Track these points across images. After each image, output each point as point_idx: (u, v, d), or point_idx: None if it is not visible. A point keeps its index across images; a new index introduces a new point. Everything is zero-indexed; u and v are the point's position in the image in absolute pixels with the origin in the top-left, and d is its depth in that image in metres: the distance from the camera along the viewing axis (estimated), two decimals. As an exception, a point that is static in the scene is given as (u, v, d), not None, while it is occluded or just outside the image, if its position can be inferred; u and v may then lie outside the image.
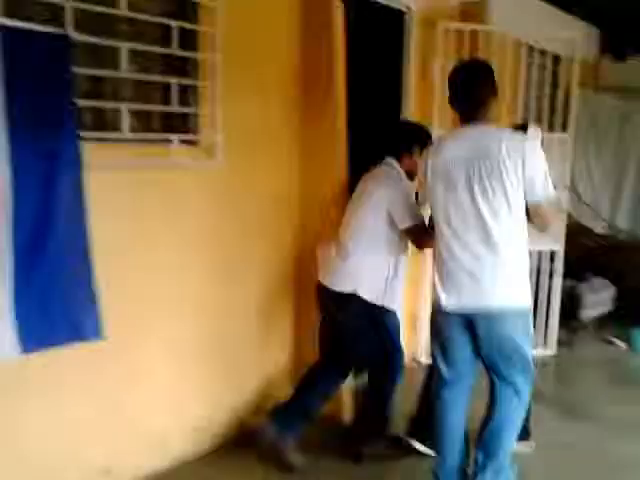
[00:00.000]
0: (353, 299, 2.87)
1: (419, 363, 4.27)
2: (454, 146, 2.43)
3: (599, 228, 5.00)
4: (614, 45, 6.33)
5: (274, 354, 3.36)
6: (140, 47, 2.54)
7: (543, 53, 4.36)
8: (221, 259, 2.99)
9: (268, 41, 3.09)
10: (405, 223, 2.81)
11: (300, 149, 3.31)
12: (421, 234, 2.82)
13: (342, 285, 2.88)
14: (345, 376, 3.09)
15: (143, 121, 2.71)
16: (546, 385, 4.12)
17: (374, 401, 3.12)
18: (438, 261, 2.50)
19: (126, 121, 2.51)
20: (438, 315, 2.52)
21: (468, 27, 3.96)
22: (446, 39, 3.93)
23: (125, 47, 2.46)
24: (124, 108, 2.51)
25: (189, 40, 2.74)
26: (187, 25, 2.70)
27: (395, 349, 3.05)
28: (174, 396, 2.86)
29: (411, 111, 3.99)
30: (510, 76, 4.12)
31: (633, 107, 5.52)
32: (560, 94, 4.41)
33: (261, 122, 3.09)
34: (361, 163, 3.61)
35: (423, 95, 4.01)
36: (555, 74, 4.55)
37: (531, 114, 4.37)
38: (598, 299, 4.95)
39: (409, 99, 3.98)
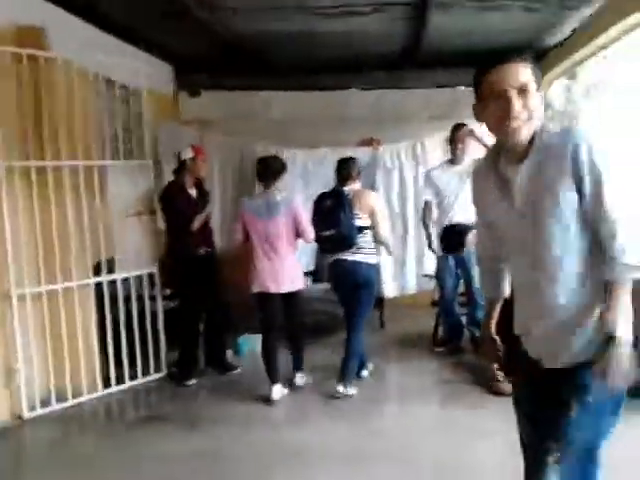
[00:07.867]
0: None
1: (22, 420, 3.83)
2: None
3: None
4: (189, 82, 6.83)
5: None
6: None
7: (111, 82, 4.37)
8: None
9: None
10: None
11: None
12: None
13: None
14: None
15: None
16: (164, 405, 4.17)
17: None
18: None
19: None
20: None
21: (25, 51, 3.74)
22: (2, 61, 3.63)
23: None
24: None
25: None
26: None
27: None
28: None
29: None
30: (80, 104, 4.06)
31: (209, 137, 6.02)
32: (132, 124, 4.54)
33: None
34: None
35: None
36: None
37: (107, 143, 4.34)
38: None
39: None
